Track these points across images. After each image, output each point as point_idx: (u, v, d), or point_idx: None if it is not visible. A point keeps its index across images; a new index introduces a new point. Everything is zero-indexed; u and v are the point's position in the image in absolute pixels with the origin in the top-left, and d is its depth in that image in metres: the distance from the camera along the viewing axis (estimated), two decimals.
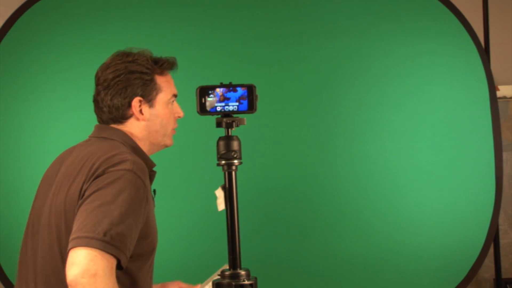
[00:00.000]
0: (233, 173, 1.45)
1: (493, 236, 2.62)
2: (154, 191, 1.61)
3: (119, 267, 1.34)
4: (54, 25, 2.61)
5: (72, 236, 1.31)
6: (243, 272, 1.38)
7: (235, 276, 1.37)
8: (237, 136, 1.53)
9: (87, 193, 1.38)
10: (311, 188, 2.62)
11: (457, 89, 2.65)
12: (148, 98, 1.58)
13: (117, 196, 1.35)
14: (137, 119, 1.58)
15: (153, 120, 1.60)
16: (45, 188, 1.54)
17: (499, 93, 2.97)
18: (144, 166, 1.47)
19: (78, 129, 2.55)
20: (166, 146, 1.67)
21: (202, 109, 1.43)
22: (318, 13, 2.68)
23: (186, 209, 2.54)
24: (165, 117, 1.61)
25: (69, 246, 1.31)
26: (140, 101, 1.57)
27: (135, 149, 1.57)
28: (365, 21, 2.67)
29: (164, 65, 1.61)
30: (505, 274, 2.92)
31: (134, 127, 1.59)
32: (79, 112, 2.57)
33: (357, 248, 2.59)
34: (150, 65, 1.58)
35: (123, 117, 1.59)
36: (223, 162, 1.44)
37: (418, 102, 2.65)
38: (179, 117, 1.68)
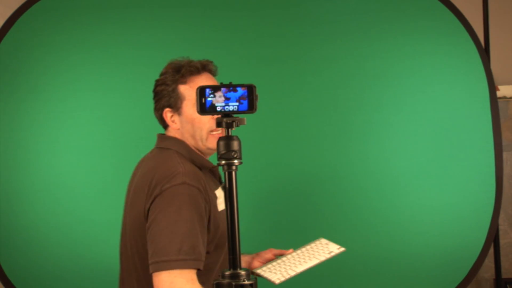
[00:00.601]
0: (233, 173, 1.44)
1: (493, 236, 2.62)
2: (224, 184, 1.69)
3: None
4: (54, 25, 2.60)
5: (151, 260, 1.45)
6: (243, 272, 1.38)
7: (235, 276, 1.37)
8: (237, 136, 1.53)
9: (150, 214, 1.51)
10: (311, 188, 2.62)
11: (457, 89, 2.65)
12: (176, 107, 1.67)
13: (178, 213, 1.47)
14: (173, 128, 1.68)
15: (184, 126, 1.67)
16: (129, 198, 1.68)
17: (499, 93, 2.97)
18: (195, 171, 1.57)
19: (78, 129, 2.57)
20: (211, 149, 1.69)
21: (202, 109, 1.42)
22: (318, 13, 2.68)
23: None
24: (196, 121, 1.66)
25: (150, 269, 1.45)
26: (170, 111, 1.68)
27: (191, 155, 1.65)
28: (365, 21, 2.67)
29: (184, 72, 1.67)
30: (505, 274, 2.92)
31: (177, 135, 1.69)
32: (79, 112, 2.58)
33: (357, 248, 2.59)
34: (171, 76, 1.67)
35: (165, 126, 1.72)
36: (223, 162, 1.44)
37: (418, 102, 2.64)
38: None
